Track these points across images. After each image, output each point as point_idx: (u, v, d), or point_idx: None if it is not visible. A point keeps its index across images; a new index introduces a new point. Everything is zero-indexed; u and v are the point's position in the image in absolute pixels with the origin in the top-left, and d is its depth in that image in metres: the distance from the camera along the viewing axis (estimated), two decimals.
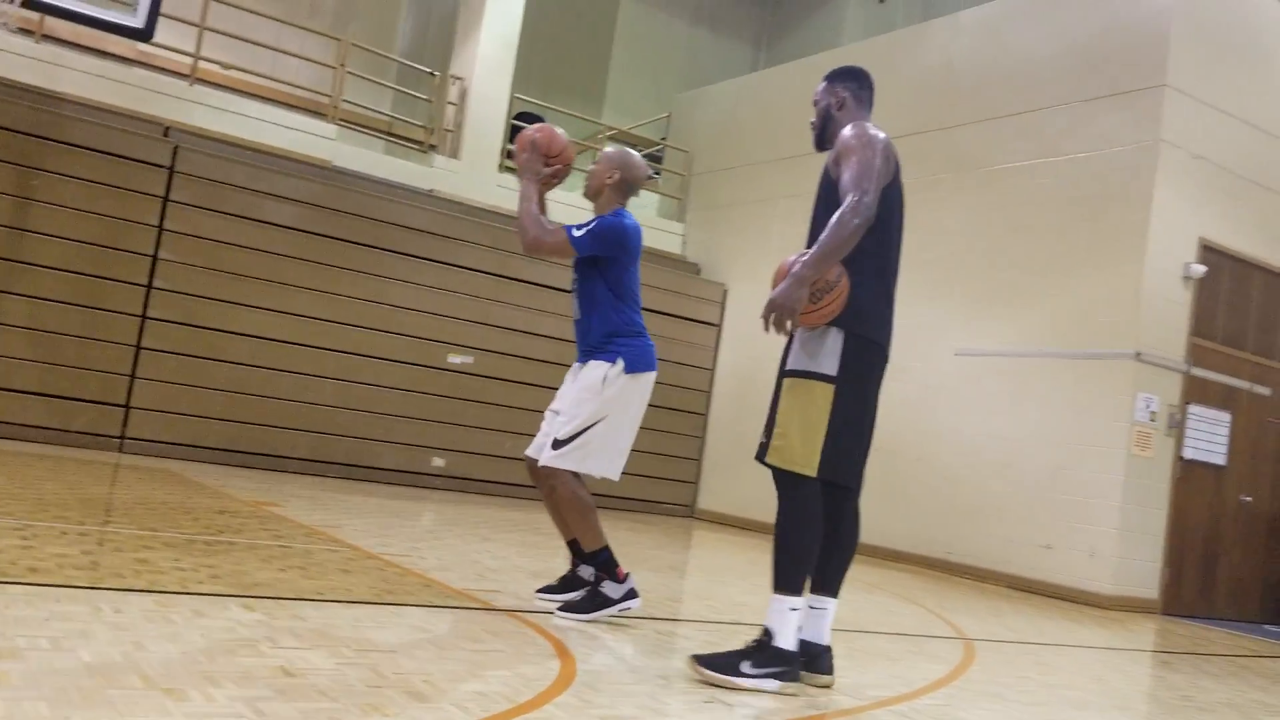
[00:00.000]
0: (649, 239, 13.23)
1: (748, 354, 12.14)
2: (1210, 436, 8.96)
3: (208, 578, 3.98)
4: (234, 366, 9.88)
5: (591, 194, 4.63)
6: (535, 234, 4.40)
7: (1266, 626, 8.94)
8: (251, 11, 11.34)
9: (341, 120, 11.43)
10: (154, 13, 8.93)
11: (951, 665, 4.56)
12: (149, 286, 9.52)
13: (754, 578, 6.87)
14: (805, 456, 3.43)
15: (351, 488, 9.37)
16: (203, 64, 10.82)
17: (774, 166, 11.97)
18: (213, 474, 8.59)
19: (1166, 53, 8.68)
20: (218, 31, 10.87)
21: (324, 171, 10.75)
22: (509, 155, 13.13)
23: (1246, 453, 9.23)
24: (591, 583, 4.43)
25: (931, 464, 9.75)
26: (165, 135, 9.89)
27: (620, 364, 4.34)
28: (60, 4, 8.72)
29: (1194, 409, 8.81)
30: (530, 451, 4.53)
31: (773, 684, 3.36)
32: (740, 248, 12.51)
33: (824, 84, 3.83)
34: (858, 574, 7.95)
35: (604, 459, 4.32)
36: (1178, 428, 8.69)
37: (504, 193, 12.07)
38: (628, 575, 4.35)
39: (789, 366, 3.57)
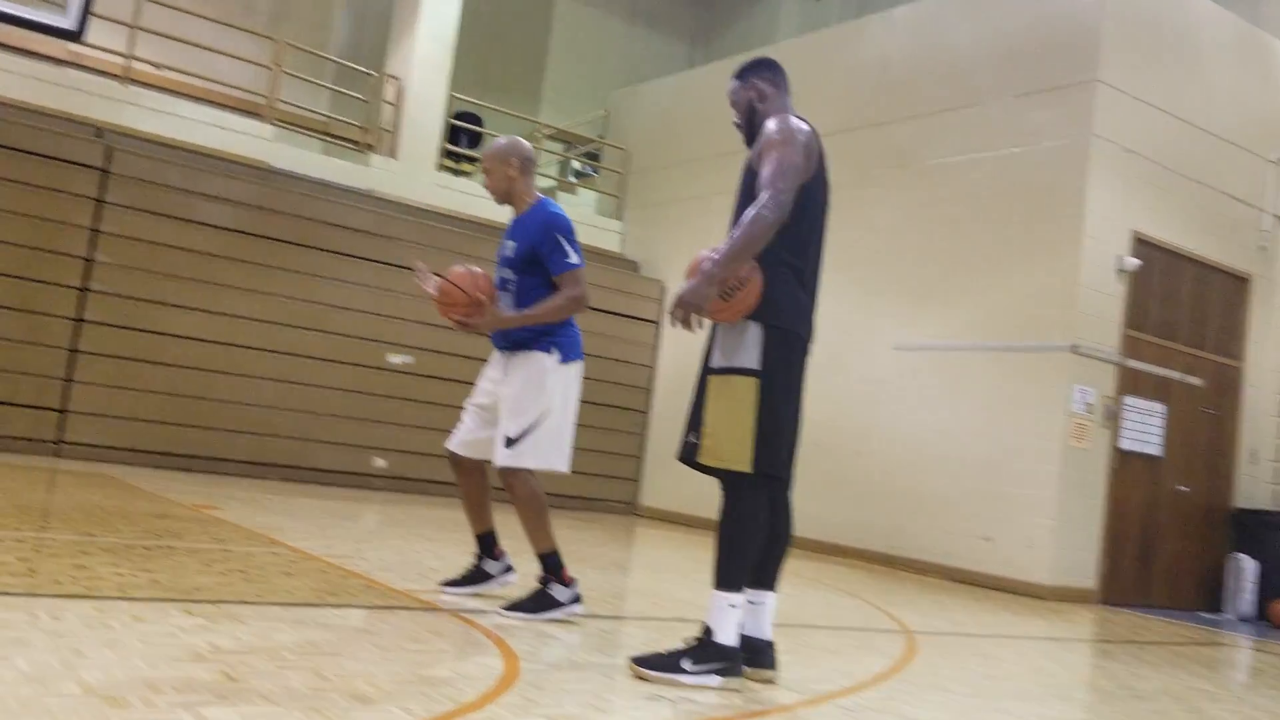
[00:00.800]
0: (587, 236, 13.25)
1: (688, 351, 12.14)
2: (1145, 427, 9.17)
3: (147, 583, 3.93)
4: (171, 369, 9.74)
5: (503, 196, 4.55)
6: (569, 305, 4.33)
7: (1202, 614, 9.17)
8: (185, 11, 11.17)
9: (278, 120, 11.30)
10: (85, 13, 8.78)
11: (894, 658, 4.64)
12: (83, 289, 9.35)
13: (696, 574, 6.91)
14: (737, 453, 3.45)
15: (292, 489, 9.28)
16: (136, 64, 10.64)
17: (711, 163, 12.04)
18: (151, 478, 8.46)
19: (1098, 48, 8.87)
20: (150, 31, 10.70)
21: (261, 172, 10.63)
22: (448, 155, 13.08)
23: (1181, 443, 9.46)
24: (490, 575, 4.57)
25: (871, 457, 9.87)
26: (98, 136, 9.72)
27: (556, 354, 4.36)
28: None
29: (1129, 400, 9.02)
30: (459, 448, 4.51)
31: (714, 680, 3.39)
32: (678, 245, 12.56)
33: (735, 81, 3.82)
34: (799, 568, 8.04)
35: (554, 452, 4.35)
36: (1113, 419, 8.89)
37: (442, 192, 12.02)
38: (574, 580, 4.37)
39: (712, 365, 3.58)
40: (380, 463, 10.80)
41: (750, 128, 3.78)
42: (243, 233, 10.11)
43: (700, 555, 8.28)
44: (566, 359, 4.38)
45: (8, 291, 9.03)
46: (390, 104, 12.14)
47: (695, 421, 3.57)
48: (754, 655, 3.59)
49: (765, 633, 3.65)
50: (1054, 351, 8.69)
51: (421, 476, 11.00)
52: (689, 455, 3.57)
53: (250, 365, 10.11)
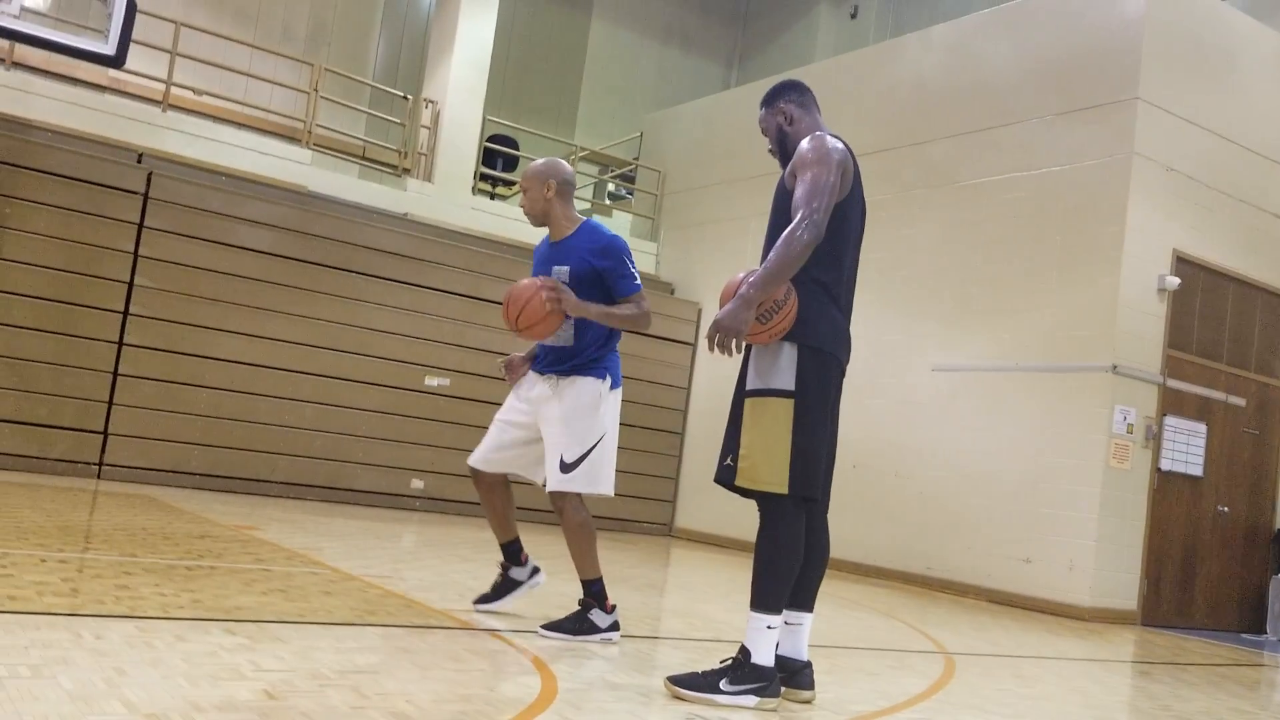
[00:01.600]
0: None
1: (723, 373, 12.15)
2: (1187, 448, 9.05)
3: (189, 602, 3.97)
4: (212, 391, 9.85)
5: (540, 218, 4.49)
6: (638, 321, 4.41)
7: (1244, 635, 9.02)
8: (224, 37, 11.36)
9: (315, 145, 11.44)
10: (125, 39, 8.92)
11: (932, 679, 4.59)
12: (125, 313, 9.49)
13: (733, 596, 6.89)
14: (773, 474, 3.44)
15: (331, 510, 9.34)
16: (176, 90, 10.82)
17: (747, 184, 12.06)
18: (192, 499, 8.54)
19: (1138, 65, 8.81)
20: (190, 58, 10.88)
21: (299, 196, 10.76)
22: (483, 178, 13.18)
23: (1223, 463, 9.33)
24: (519, 582, 4.65)
25: (910, 479, 9.80)
26: (139, 161, 9.88)
27: (609, 380, 4.40)
28: (31, 31, 8.71)
29: (1170, 420, 8.91)
30: (483, 464, 4.52)
31: (751, 700, 3.38)
32: (714, 266, 12.57)
33: (763, 109, 3.82)
34: (837, 590, 7.99)
35: (605, 477, 4.36)
36: (1154, 439, 8.78)
37: (477, 215, 12.11)
38: (614, 607, 4.38)
39: (747, 387, 3.57)
40: (418, 484, 10.85)
41: (783, 151, 3.78)
42: (281, 256, 10.23)
43: (737, 576, 8.24)
44: (615, 385, 4.43)
45: (52, 316, 9.18)
46: (426, 128, 12.27)
47: (731, 444, 3.56)
48: (791, 676, 3.57)
49: (802, 653, 3.63)
50: (1094, 372, 8.61)
51: (458, 498, 11.04)
52: (726, 478, 3.56)
53: (289, 388, 10.21)
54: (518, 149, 13.90)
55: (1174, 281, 8.82)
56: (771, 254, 3.38)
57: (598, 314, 4.28)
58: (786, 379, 3.47)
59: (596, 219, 4.50)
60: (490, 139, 13.24)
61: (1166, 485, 8.90)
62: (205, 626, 3.57)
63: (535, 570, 4.74)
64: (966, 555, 9.16)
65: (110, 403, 9.41)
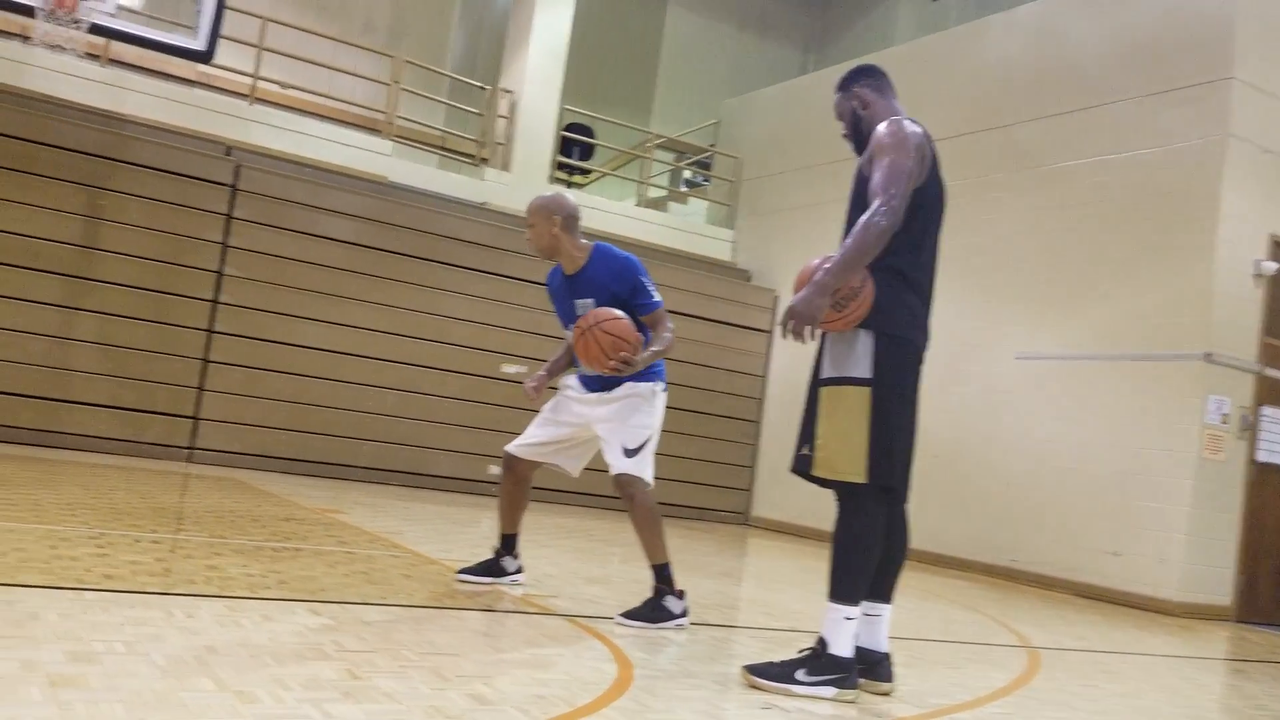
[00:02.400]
0: (698, 246, 13.27)
1: (800, 360, 12.05)
2: None
3: (275, 583, 4.07)
4: (297, 378, 10.07)
5: (549, 252, 4.53)
6: (672, 335, 4.47)
7: None
8: (307, 31, 11.56)
9: (396, 136, 11.60)
10: (214, 35, 9.14)
11: (1015, 674, 4.51)
12: (214, 301, 9.74)
13: (810, 586, 6.84)
14: (851, 464, 3.40)
15: (411, 495, 9.49)
16: (262, 84, 11.04)
17: (825, 170, 11.94)
18: (278, 483, 8.75)
19: (1233, 44, 8.52)
20: (275, 51, 11.10)
21: (380, 187, 10.92)
22: (560, 167, 13.24)
23: None
24: (506, 571, 4.81)
25: (993, 470, 9.64)
26: (227, 154, 10.11)
27: (659, 383, 4.57)
28: (124, 28, 8.96)
29: (1267, 410, 8.63)
30: (521, 452, 4.67)
31: (829, 690, 3.35)
32: (791, 253, 12.47)
33: (838, 94, 3.77)
34: (918, 582, 7.89)
35: (652, 469, 4.52)
36: (1250, 430, 8.51)
37: None
38: (683, 593, 4.42)
39: (823, 375, 3.53)
40: (495, 470, 10.95)
41: (857, 137, 3.72)
42: (363, 246, 10.41)
43: (814, 566, 8.19)
44: (665, 387, 4.60)
45: (145, 304, 9.46)
46: (504, 117, 12.35)
47: (807, 433, 3.53)
48: (870, 668, 3.53)
49: (882, 645, 3.59)
50: (1187, 361, 8.37)
51: (535, 484, 11.10)
52: (802, 467, 3.53)
53: (371, 375, 10.39)
54: (594, 137, 13.94)
55: (1271, 267, 8.53)
56: (848, 240, 3.34)
57: (650, 358, 4.36)
58: (863, 367, 3.43)
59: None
60: (567, 127, 13.30)
61: (1264, 477, 8.62)
62: (291, 607, 3.65)
63: (520, 570, 4.90)
64: (1052, 548, 8.99)
65: (200, 388, 9.68)
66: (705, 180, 14.96)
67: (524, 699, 2.82)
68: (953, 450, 9.80)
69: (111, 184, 9.36)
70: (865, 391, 3.42)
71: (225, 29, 9.56)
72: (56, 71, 9.50)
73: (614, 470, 4.42)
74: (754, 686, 3.39)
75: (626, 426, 4.40)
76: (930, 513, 9.51)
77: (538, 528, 8.19)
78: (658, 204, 14.42)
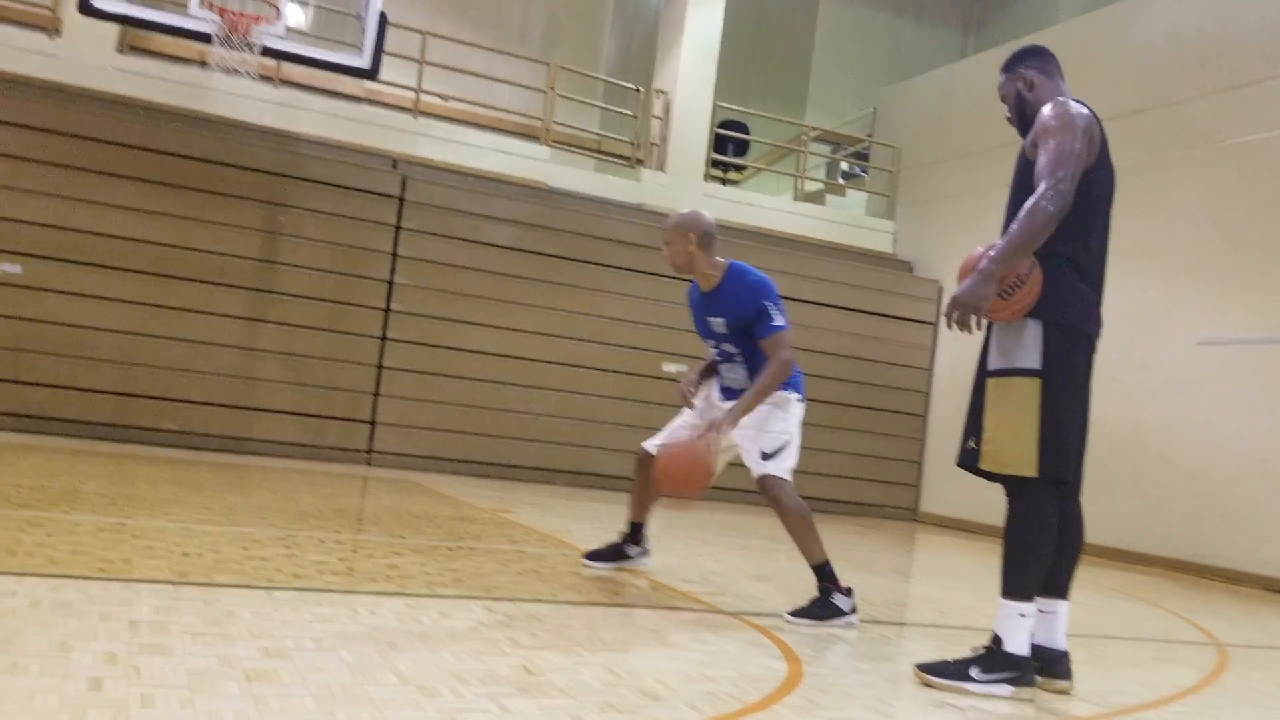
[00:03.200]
0: (858, 238, 13.06)
1: (967, 352, 11.75)
2: None
3: (452, 581, 4.21)
4: (466, 381, 10.39)
5: (685, 269, 4.61)
6: (783, 372, 4.38)
7: None
8: (465, 43, 11.90)
9: (554, 142, 11.83)
10: (378, 52, 9.51)
11: (1203, 672, 4.30)
12: (386, 309, 10.14)
13: (983, 582, 6.66)
14: (1020, 458, 3.30)
15: (578, 494, 9.66)
16: (425, 97, 11.43)
17: (988, 155, 11.58)
18: (450, 483, 9.05)
19: None
20: (436, 65, 11.46)
21: (540, 192, 11.16)
22: (715, 165, 13.25)
23: None
24: (629, 556, 5.03)
25: (1173, 460, 9.18)
26: (394, 167, 10.52)
27: (795, 394, 4.53)
28: (294, 50, 9.42)
29: None
30: (655, 449, 4.68)
31: (1005, 689, 3.26)
32: (955, 242, 12.14)
33: (1002, 75, 3.65)
34: (1097, 577, 7.59)
35: (790, 470, 4.46)
36: None
37: (710, 202, 12.18)
38: (849, 590, 4.39)
39: (990, 367, 3.43)
40: None
41: (1021, 119, 3.60)
42: (525, 251, 10.66)
43: (987, 562, 7.97)
44: (802, 399, 4.57)
45: (323, 314, 9.92)
46: (658, 118, 12.44)
47: (974, 426, 3.45)
48: (1047, 665, 3.42)
49: (1059, 642, 3.47)
50: None
51: None
52: (969, 461, 3.45)
53: (536, 377, 10.63)
54: (748, 133, 13.89)
55: None
56: (1014, 226, 3.23)
57: (748, 407, 4.35)
58: (1032, 357, 3.32)
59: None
60: (721, 124, 13.29)
61: None
62: (466, 604, 3.77)
63: (645, 553, 5.11)
64: (1241, 541, 8.50)
65: (376, 394, 10.10)
66: (863, 171, 14.72)
67: (694, 695, 2.85)
68: (1129, 439, 9.38)
69: (288, 200, 9.86)
70: (1035, 382, 3.31)
71: (388, 45, 9.94)
72: (233, 94, 10.07)
73: (755, 474, 4.44)
74: (927, 685, 3.33)
75: (763, 433, 4.42)
76: (1106, 505, 9.12)
77: (703, 526, 8.22)
78: (815, 197, 14.27)
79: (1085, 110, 3.38)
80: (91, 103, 9.54)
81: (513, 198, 10.78)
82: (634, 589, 4.64)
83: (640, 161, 12.35)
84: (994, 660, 3.29)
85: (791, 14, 15.69)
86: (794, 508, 4.38)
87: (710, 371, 4.79)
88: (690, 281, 4.76)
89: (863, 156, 14.39)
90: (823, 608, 4.30)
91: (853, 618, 4.33)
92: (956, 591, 6.24)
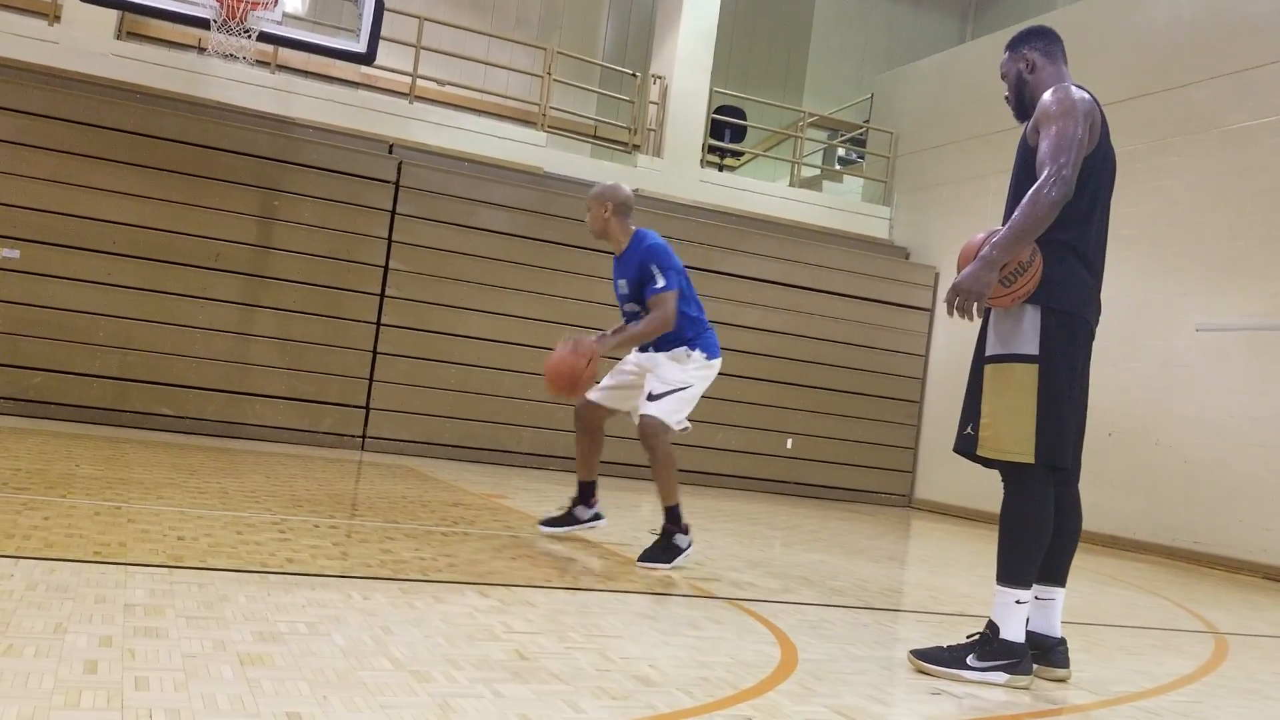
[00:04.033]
0: (854, 224, 13.04)
1: (963, 339, 11.74)
2: None
3: (446, 566, 4.21)
4: (460, 367, 10.37)
5: (600, 234, 5.23)
6: (657, 325, 4.94)
7: None
8: (463, 28, 11.85)
9: (550, 127, 11.78)
10: (375, 37, 9.46)
11: (1201, 660, 4.30)
12: (382, 295, 10.11)
13: (978, 569, 6.67)
14: (1018, 443, 3.29)
15: (572, 480, 9.63)
16: (421, 82, 11.38)
17: (986, 141, 11.56)
18: (446, 469, 9.04)
19: None
20: (433, 50, 11.41)
21: (535, 178, 11.12)
22: (711, 150, 13.22)
23: None
24: (581, 520, 5.41)
25: (1171, 447, 9.18)
26: (390, 152, 10.47)
27: (701, 354, 5.05)
28: (291, 35, 9.37)
29: None
30: (594, 397, 5.27)
31: (1001, 676, 3.26)
32: (952, 228, 12.13)
33: (1006, 53, 3.62)
34: (1094, 565, 7.60)
35: (681, 418, 5.06)
36: None
37: (706, 187, 12.17)
38: (689, 527, 5.03)
39: (988, 353, 3.42)
40: None
41: (1019, 101, 3.58)
42: (521, 236, 10.63)
43: (982, 549, 7.98)
44: (711, 357, 5.09)
45: (318, 300, 9.90)
46: (655, 103, 12.40)
47: (972, 412, 3.44)
48: (1044, 653, 3.42)
49: (1055, 630, 3.47)
50: None
51: (691, 468, 11.19)
52: (966, 447, 3.44)
53: (531, 363, 10.59)
54: (745, 119, 13.85)
55: None
56: (1017, 213, 3.21)
57: (624, 340, 5.04)
58: (1030, 344, 3.31)
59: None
60: (718, 110, 13.25)
61: None
62: (460, 589, 3.77)
63: (597, 516, 5.48)
64: (1239, 528, 8.51)
65: (371, 379, 10.08)
66: (860, 157, 14.69)
67: (688, 681, 2.84)
68: (1127, 427, 9.38)
69: (283, 185, 9.82)
70: (1033, 369, 3.30)
71: (384, 30, 9.88)
72: (229, 79, 10.02)
73: (639, 413, 4.98)
74: (922, 671, 3.32)
75: (659, 377, 5.00)
76: (1103, 492, 9.14)
77: (697, 511, 8.22)
78: (812, 183, 14.24)
79: (1087, 95, 3.36)
80: (89, 88, 9.49)
81: (509, 183, 10.74)
82: (629, 576, 4.64)
83: (636, 147, 12.31)
84: (990, 648, 3.28)
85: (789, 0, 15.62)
86: (664, 452, 4.96)
87: (621, 331, 5.25)
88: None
89: (860, 142, 14.36)
90: (666, 550, 4.89)
91: (690, 551, 4.96)
92: (952, 578, 6.25)
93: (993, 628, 3.31)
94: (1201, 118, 9.45)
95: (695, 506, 8.59)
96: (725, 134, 13.62)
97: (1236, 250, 8.95)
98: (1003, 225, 3.30)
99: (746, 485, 11.49)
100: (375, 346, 10.11)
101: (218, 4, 8.58)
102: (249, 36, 8.88)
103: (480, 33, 12.08)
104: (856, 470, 12.03)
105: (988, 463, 3.41)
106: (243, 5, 8.68)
